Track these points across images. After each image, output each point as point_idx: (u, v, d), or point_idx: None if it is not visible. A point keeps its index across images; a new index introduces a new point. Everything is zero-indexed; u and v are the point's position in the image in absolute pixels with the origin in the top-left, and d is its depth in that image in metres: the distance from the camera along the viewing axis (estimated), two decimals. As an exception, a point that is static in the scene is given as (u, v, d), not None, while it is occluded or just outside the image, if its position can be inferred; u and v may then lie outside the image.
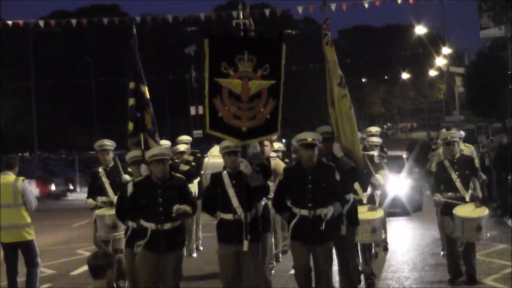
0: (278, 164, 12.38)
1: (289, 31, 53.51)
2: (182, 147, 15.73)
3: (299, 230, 9.58)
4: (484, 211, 11.96)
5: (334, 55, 10.40)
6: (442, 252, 14.49)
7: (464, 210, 11.87)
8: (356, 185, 11.60)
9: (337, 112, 10.22)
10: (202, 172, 14.59)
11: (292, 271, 10.46)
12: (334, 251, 10.03)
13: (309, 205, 9.50)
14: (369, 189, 11.88)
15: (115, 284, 12.14)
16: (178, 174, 10.54)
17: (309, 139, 9.61)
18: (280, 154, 14.82)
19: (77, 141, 71.88)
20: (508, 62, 31.07)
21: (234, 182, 9.63)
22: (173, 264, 9.83)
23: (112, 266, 7.12)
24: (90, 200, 12.74)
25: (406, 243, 16.97)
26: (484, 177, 12.96)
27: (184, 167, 15.12)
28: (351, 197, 10.40)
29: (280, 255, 14.88)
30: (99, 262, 7.09)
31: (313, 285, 9.73)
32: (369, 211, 11.61)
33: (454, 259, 12.25)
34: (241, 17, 10.36)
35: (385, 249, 15.41)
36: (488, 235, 12.18)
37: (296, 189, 9.64)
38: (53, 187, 40.34)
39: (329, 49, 10.42)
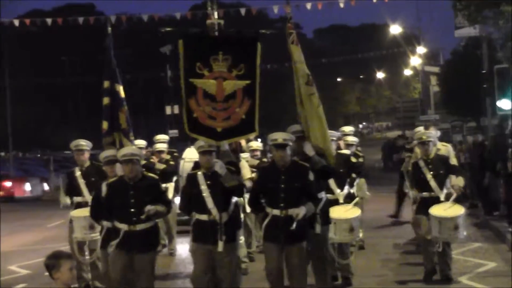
0: (243, 165, 12.26)
1: (264, 31, 53.32)
2: (161, 146, 15.66)
3: (271, 231, 9.54)
4: (460, 210, 11.92)
5: (301, 54, 10.32)
6: (417, 250, 14.54)
7: (440, 210, 11.82)
8: (333, 185, 11.61)
9: (306, 111, 10.19)
10: (180, 174, 14.57)
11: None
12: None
13: (281, 205, 9.46)
14: (346, 189, 11.86)
15: (91, 284, 12.11)
16: (151, 174, 10.44)
17: (280, 140, 9.56)
18: (258, 153, 14.85)
19: (53, 140, 71.51)
20: (483, 61, 31.23)
21: (209, 182, 9.61)
22: (146, 265, 9.73)
23: (57, 267, 6.79)
24: (65, 198, 12.70)
25: (382, 241, 17.00)
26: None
27: (160, 166, 15.08)
28: (323, 195, 10.40)
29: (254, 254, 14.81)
30: (45, 262, 6.87)
31: (287, 284, 9.72)
32: (346, 211, 11.58)
33: (430, 257, 12.25)
34: (216, 17, 10.39)
35: (361, 247, 15.41)
36: (464, 233, 12.19)
37: (269, 188, 9.61)
38: (27, 187, 40.09)
39: (295, 48, 10.35)
